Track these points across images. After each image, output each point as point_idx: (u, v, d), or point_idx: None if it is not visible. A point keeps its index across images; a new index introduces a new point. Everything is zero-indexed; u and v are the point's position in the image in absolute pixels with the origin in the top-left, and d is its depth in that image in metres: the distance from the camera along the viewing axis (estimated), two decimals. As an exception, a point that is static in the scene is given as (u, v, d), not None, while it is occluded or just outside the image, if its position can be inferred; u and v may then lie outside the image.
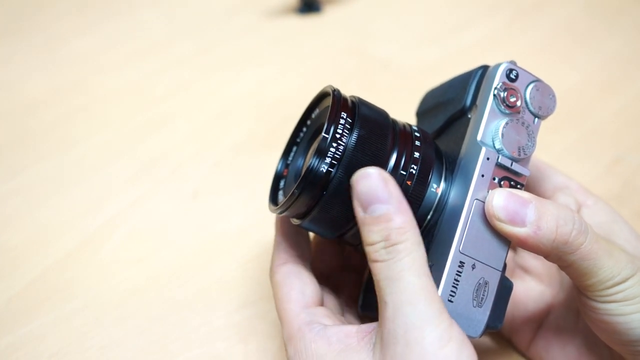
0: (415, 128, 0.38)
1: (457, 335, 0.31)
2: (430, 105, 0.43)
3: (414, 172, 0.36)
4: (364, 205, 0.33)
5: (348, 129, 0.35)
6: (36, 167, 0.57)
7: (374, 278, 0.33)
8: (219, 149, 0.60)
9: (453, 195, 0.36)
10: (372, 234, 0.33)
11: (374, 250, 0.33)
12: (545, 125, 0.38)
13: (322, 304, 0.38)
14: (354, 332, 0.34)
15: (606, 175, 0.59)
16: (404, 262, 0.32)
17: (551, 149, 0.59)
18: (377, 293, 0.33)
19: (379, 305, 0.33)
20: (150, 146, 0.60)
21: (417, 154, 0.36)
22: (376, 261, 0.33)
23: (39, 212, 0.53)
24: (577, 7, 0.79)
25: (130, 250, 0.51)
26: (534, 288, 0.44)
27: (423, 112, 0.44)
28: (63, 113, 0.62)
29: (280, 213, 0.37)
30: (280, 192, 0.41)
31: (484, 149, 0.35)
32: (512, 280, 0.45)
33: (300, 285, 0.38)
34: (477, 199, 0.35)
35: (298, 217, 0.37)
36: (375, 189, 0.33)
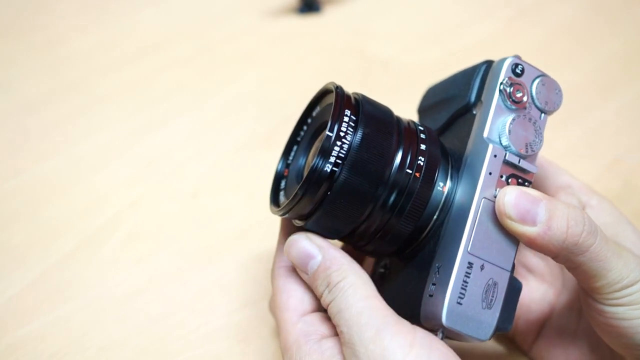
0: (420, 125, 0.38)
1: (420, 339, 0.31)
2: (433, 101, 0.42)
3: (421, 164, 0.35)
4: (304, 267, 0.36)
5: (352, 127, 0.34)
6: (36, 167, 0.57)
7: (333, 321, 0.35)
8: (219, 149, 0.60)
9: (460, 193, 0.36)
10: (318, 287, 0.35)
11: (324, 298, 0.35)
12: (545, 125, 0.38)
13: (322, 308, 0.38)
14: None
15: (606, 175, 0.59)
16: (349, 292, 0.34)
17: (551, 148, 0.59)
18: (338, 331, 0.34)
19: (340, 339, 0.34)
20: (150, 146, 0.60)
21: (423, 147, 0.36)
22: (327, 304, 0.35)
23: (39, 212, 0.53)
24: (577, 7, 0.79)
25: (130, 250, 0.51)
26: (537, 287, 0.44)
27: (425, 108, 0.43)
28: (63, 113, 0.62)
29: (283, 215, 0.37)
30: (282, 193, 0.40)
31: (491, 146, 0.34)
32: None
33: (300, 292, 0.38)
34: (485, 198, 0.34)
35: (301, 218, 0.37)
36: (304, 250, 0.36)
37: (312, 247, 0.36)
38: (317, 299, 0.38)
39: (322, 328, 0.36)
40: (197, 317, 0.46)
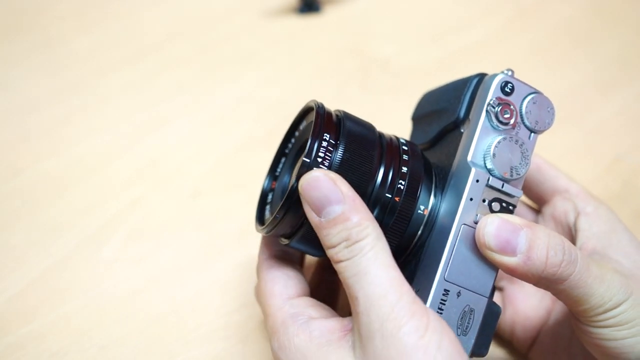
0: (403, 141, 0.37)
1: (434, 323, 0.31)
2: (425, 111, 0.42)
3: (402, 187, 0.35)
4: (318, 209, 0.33)
5: (332, 147, 0.34)
6: (36, 167, 0.57)
7: (341, 278, 0.33)
8: (219, 149, 0.60)
9: (442, 212, 0.35)
10: (332, 237, 0.33)
11: (337, 252, 0.33)
12: (534, 145, 0.37)
13: (307, 294, 0.38)
14: (337, 327, 0.34)
15: (606, 175, 0.59)
16: (369, 256, 0.32)
17: (551, 148, 0.59)
18: (347, 292, 0.33)
19: (350, 302, 0.32)
20: (150, 146, 0.60)
21: (404, 169, 0.35)
22: (340, 261, 0.33)
23: (39, 212, 0.53)
24: (577, 8, 0.79)
25: (130, 250, 0.51)
26: (534, 294, 0.44)
27: (418, 117, 0.43)
28: (63, 113, 0.62)
29: (267, 233, 0.37)
30: (268, 207, 0.40)
31: (473, 171, 0.34)
32: (512, 285, 0.44)
33: (283, 279, 0.37)
34: (464, 224, 0.34)
35: (285, 237, 0.37)
36: (327, 191, 0.32)
37: (335, 191, 0.32)
38: (301, 284, 0.38)
39: (309, 311, 0.36)
40: (197, 317, 0.46)
